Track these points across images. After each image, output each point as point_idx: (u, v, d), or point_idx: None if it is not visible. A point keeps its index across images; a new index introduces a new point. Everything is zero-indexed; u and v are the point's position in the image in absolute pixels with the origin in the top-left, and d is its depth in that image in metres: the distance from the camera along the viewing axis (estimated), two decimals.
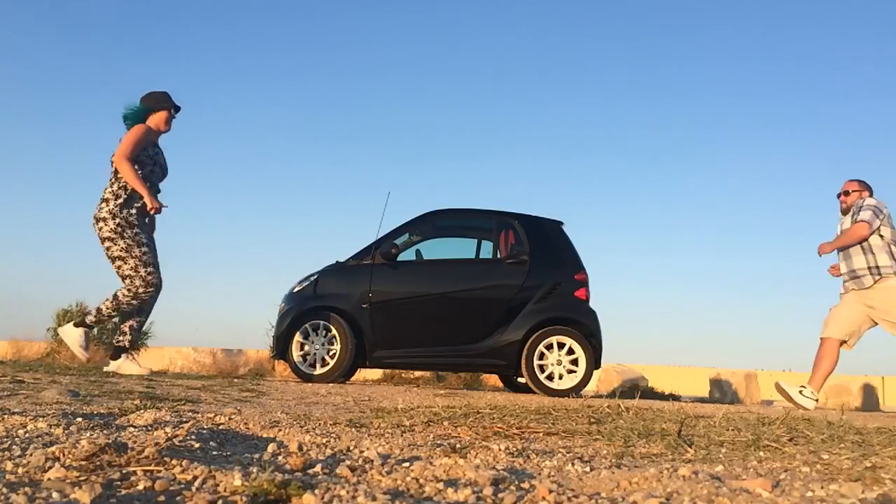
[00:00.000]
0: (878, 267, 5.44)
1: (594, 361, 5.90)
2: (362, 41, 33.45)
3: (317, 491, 0.77)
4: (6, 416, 1.50)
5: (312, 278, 6.33)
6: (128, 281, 4.89)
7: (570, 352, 5.84)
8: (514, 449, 1.25)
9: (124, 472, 0.85)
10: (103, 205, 4.92)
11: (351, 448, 1.21)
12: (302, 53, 32.26)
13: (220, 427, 1.48)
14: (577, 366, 5.84)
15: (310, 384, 5.56)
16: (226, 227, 30.57)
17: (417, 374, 9.55)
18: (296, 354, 6.05)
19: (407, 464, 1.00)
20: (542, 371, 5.82)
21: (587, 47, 32.74)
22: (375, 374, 9.72)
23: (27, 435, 1.23)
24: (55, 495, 0.73)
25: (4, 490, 0.73)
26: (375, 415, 2.20)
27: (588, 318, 6.02)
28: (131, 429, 1.40)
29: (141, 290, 4.90)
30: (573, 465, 1.08)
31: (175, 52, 31.02)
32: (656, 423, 1.61)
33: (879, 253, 5.46)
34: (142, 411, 1.86)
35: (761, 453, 1.26)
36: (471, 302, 6.09)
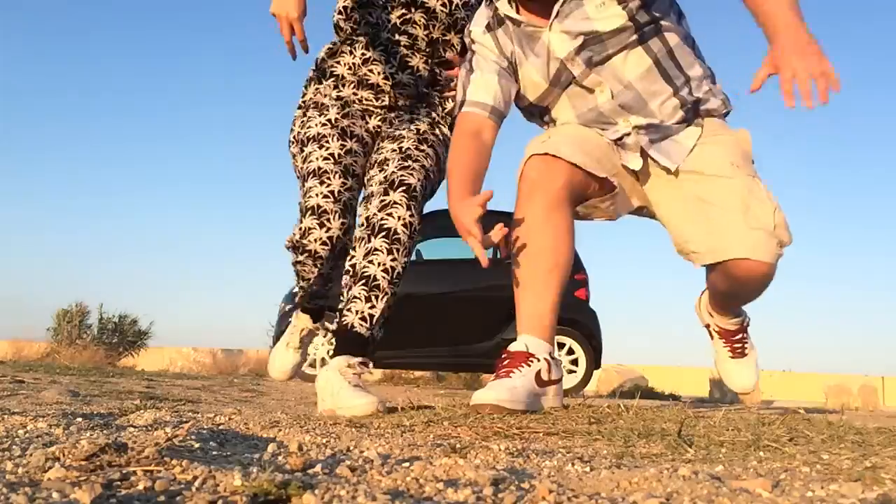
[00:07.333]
0: None
1: (594, 362, 5.90)
2: None
3: (317, 491, 0.77)
4: (6, 416, 1.50)
5: None
6: None
7: (570, 352, 5.84)
8: (514, 449, 1.25)
9: (124, 472, 0.85)
10: None
11: (351, 448, 1.21)
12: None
13: (220, 427, 1.48)
14: (577, 366, 5.84)
15: (310, 384, 5.56)
16: (226, 227, 30.60)
17: (417, 374, 9.54)
18: None
19: (407, 464, 1.00)
20: None
21: None
22: (375, 374, 9.72)
23: (27, 435, 1.23)
24: (55, 495, 0.73)
25: (4, 490, 0.73)
26: (375, 415, 2.20)
27: (588, 319, 6.02)
28: (131, 429, 1.40)
29: None
30: (573, 465, 1.08)
31: (173, 46, 31.04)
32: (656, 423, 1.61)
33: None
34: (142, 411, 1.86)
35: (761, 453, 1.26)
36: (471, 302, 6.08)
